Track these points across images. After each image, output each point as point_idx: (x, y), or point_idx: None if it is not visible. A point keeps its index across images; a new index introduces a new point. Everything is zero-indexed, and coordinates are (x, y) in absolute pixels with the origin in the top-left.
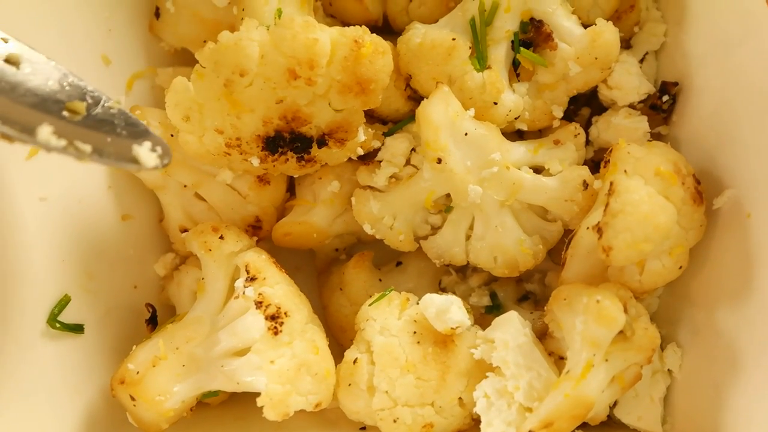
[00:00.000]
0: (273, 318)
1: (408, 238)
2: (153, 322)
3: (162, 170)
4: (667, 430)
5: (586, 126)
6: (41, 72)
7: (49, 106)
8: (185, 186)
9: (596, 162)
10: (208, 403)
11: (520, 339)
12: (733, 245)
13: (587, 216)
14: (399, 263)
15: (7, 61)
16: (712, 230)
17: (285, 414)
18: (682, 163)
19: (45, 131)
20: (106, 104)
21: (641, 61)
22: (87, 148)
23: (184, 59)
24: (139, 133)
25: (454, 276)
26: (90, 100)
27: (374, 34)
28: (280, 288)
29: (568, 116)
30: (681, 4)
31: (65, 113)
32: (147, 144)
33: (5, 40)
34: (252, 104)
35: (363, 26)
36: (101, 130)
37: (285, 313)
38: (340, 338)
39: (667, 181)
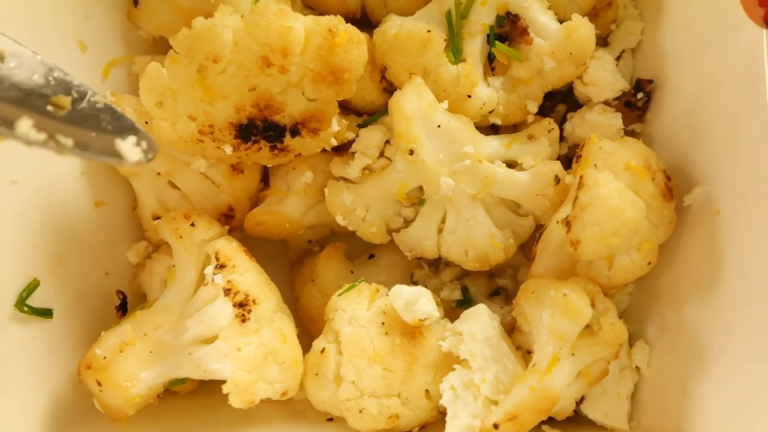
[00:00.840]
0: (241, 305)
1: (380, 230)
2: (123, 309)
3: None
4: (633, 427)
5: (561, 122)
6: (26, 66)
7: (33, 100)
8: (159, 174)
9: (570, 158)
10: (176, 392)
11: (488, 332)
12: (701, 242)
13: (558, 210)
14: (371, 256)
15: None
16: (681, 227)
17: (250, 401)
18: (653, 159)
19: (24, 125)
20: (91, 99)
21: (618, 58)
22: (69, 142)
23: (162, 47)
24: (125, 127)
25: (426, 270)
26: (75, 95)
27: (349, 24)
28: (249, 276)
29: (544, 113)
30: (658, 2)
31: (50, 108)
32: (132, 138)
33: None
34: (225, 91)
35: (338, 15)
36: (86, 124)
37: (253, 301)
38: (310, 329)
39: (637, 176)
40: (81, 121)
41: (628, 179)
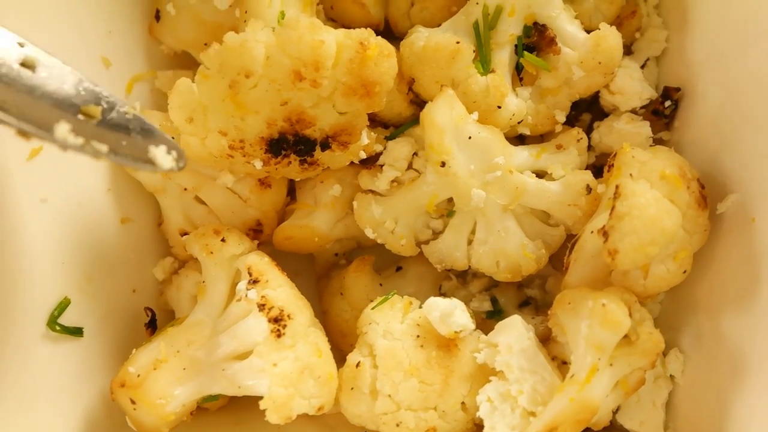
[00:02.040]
0: (276, 320)
1: (409, 243)
2: (152, 326)
3: (163, 173)
4: None
5: (587, 131)
6: (57, 76)
7: (65, 109)
8: (185, 189)
9: (598, 167)
10: (206, 408)
11: (524, 343)
12: (737, 250)
13: (591, 220)
14: (399, 268)
15: (24, 64)
16: (716, 235)
17: (288, 417)
18: (687, 167)
19: (62, 129)
20: (121, 109)
21: (642, 67)
22: (103, 147)
23: (185, 62)
24: (154, 137)
25: (455, 281)
26: (105, 105)
27: (379, 37)
28: (283, 291)
29: (569, 122)
30: (682, 10)
31: (80, 117)
32: (162, 148)
33: (22, 44)
34: (256, 106)
35: (368, 29)
36: (117, 133)
37: (288, 316)
38: (340, 343)
39: (673, 185)
40: (112, 131)
41: (664, 188)
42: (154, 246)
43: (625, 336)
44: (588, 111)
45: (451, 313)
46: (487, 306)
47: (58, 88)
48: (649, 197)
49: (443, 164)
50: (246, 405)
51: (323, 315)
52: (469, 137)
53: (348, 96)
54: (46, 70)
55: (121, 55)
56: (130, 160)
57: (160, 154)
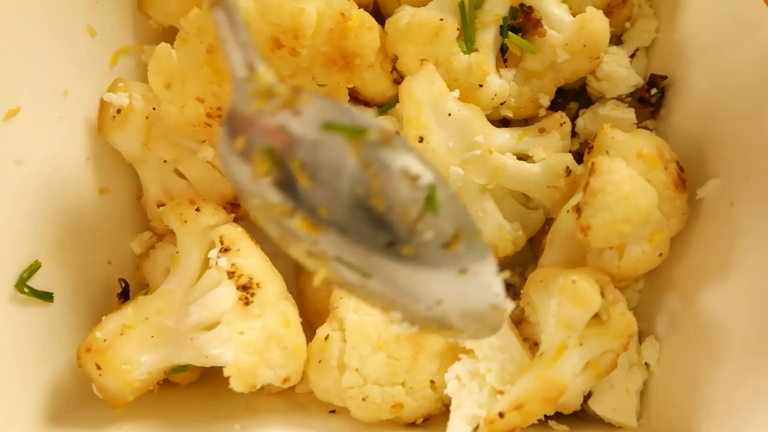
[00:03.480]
0: (245, 288)
1: None
2: (125, 296)
3: (143, 144)
4: (642, 425)
5: (573, 120)
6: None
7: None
8: (165, 161)
9: (581, 154)
10: (177, 383)
11: None
12: (715, 235)
13: (568, 201)
14: None
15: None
16: (694, 220)
17: (252, 386)
18: (666, 149)
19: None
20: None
21: (632, 57)
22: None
23: (172, 38)
24: None
25: None
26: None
27: (361, 9)
28: (253, 260)
29: (556, 110)
30: (673, 0)
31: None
32: None
33: None
34: None
35: (351, 0)
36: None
37: (257, 284)
38: (314, 322)
39: (650, 164)
40: None
41: (641, 167)
42: (132, 219)
43: (597, 316)
44: (575, 100)
45: None
46: None
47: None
48: (624, 174)
49: (421, 140)
50: (216, 381)
51: (299, 294)
52: (449, 114)
53: (327, 67)
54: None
55: (108, 26)
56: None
57: None
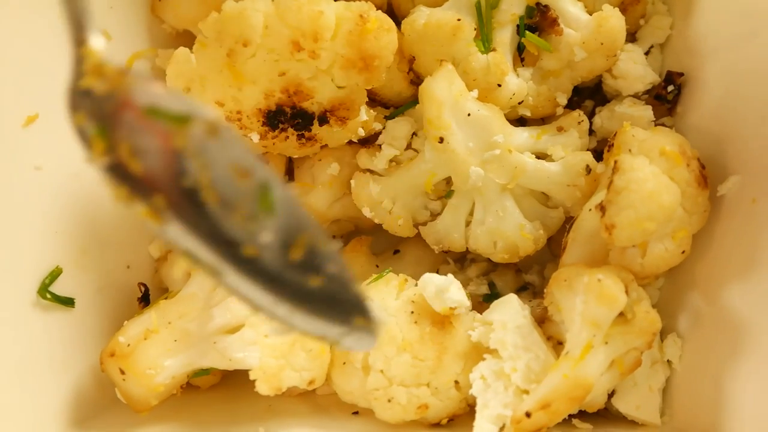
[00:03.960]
0: None
1: (407, 223)
2: (145, 301)
3: None
4: (665, 422)
5: (590, 118)
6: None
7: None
8: None
9: (599, 152)
10: (198, 387)
11: (519, 320)
12: (737, 232)
13: (590, 199)
14: (396, 251)
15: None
16: (716, 217)
17: (277, 389)
18: (687, 146)
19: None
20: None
21: (646, 54)
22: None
23: (186, 41)
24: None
25: (452, 265)
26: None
27: (379, 11)
28: None
29: (572, 108)
30: None
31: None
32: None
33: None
34: (254, 76)
35: (369, 2)
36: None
37: None
38: None
39: (672, 162)
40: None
41: (663, 165)
42: None
43: (621, 314)
44: (591, 98)
45: (447, 288)
46: (484, 290)
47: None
48: (648, 172)
49: (441, 140)
50: (237, 384)
51: None
52: (468, 114)
53: (347, 69)
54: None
55: (122, 31)
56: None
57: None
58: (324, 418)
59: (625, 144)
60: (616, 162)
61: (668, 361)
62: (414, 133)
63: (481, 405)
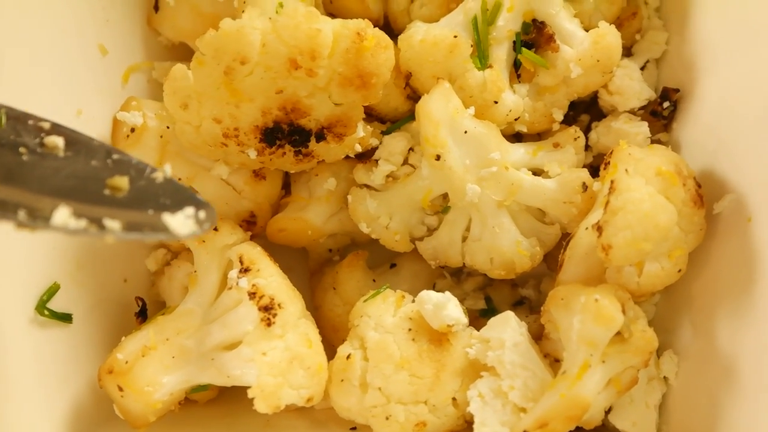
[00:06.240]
0: (266, 309)
1: (404, 239)
2: (143, 316)
3: (157, 162)
4: None
5: (586, 133)
6: (84, 153)
7: (89, 186)
8: (179, 179)
9: (595, 167)
10: (195, 401)
11: (517, 338)
12: (733, 250)
13: (586, 217)
14: (393, 265)
15: (48, 145)
16: (712, 235)
17: (276, 407)
18: (683, 165)
19: (61, 215)
20: (150, 175)
21: (642, 69)
22: (116, 225)
23: (182, 54)
24: (184, 199)
25: (449, 279)
26: (133, 173)
27: (376, 28)
28: (274, 280)
29: (568, 122)
30: (683, 13)
31: (107, 191)
32: (189, 210)
33: (45, 128)
34: (252, 93)
35: (366, 20)
36: (143, 203)
37: (278, 305)
38: (332, 338)
39: (668, 182)
40: (138, 200)
41: (659, 185)
42: None
43: (618, 333)
44: (587, 112)
45: (444, 306)
46: (481, 305)
47: (85, 165)
48: (644, 192)
49: (438, 158)
50: (235, 398)
51: (315, 310)
52: (465, 131)
53: (344, 86)
54: (72, 148)
55: (119, 44)
56: (148, 232)
57: (176, 220)
58: None
59: (622, 162)
60: (612, 182)
61: (665, 377)
62: (411, 149)
63: (479, 423)
